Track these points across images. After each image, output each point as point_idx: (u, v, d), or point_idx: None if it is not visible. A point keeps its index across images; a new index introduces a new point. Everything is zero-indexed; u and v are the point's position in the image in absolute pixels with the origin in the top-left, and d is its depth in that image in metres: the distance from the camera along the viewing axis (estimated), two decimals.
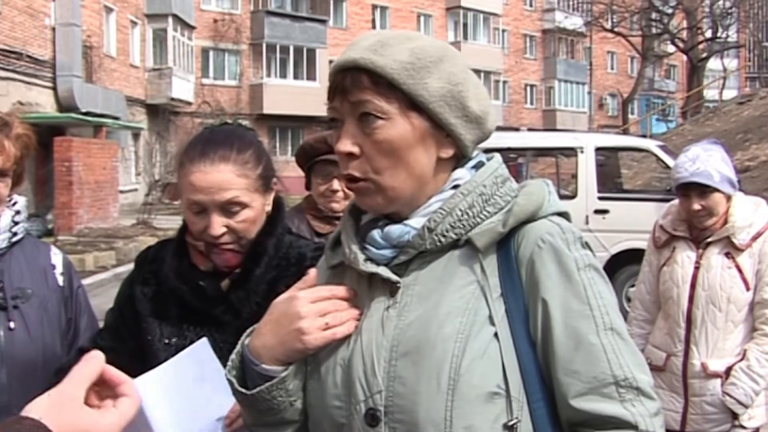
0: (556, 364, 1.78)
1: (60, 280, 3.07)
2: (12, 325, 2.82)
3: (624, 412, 1.75)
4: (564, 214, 1.91)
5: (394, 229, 1.92)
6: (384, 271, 1.90)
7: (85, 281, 17.19)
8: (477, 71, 56.37)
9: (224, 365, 2.10)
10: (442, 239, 1.88)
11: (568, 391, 1.77)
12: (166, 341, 2.61)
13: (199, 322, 2.60)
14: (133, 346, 2.65)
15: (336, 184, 4.53)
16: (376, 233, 1.95)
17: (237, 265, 2.61)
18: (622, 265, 13.09)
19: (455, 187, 1.93)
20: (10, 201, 3.02)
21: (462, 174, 1.95)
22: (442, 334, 1.80)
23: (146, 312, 2.66)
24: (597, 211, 13.44)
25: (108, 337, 2.75)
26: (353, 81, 1.86)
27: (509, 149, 15.15)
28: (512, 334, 1.81)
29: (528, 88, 64.22)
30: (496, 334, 1.79)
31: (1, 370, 2.78)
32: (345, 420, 1.89)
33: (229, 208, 2.52)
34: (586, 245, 1.88)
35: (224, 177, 2.51)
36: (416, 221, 1.91)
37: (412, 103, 1.86)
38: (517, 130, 50.00)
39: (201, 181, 2.50)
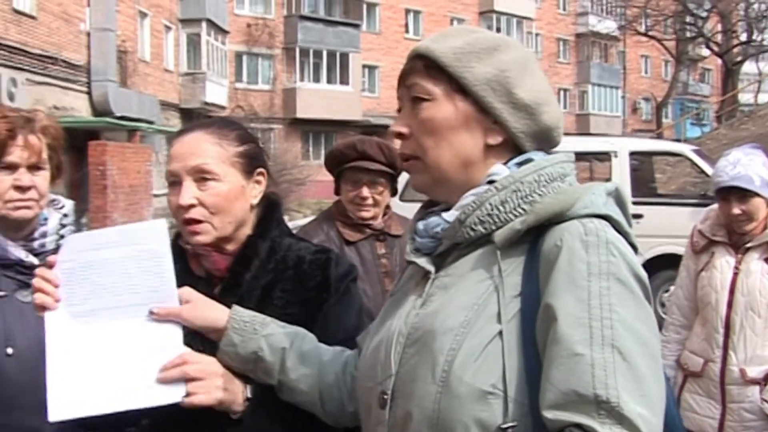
0: (544, 367, 1.70)
1: None
2: None
3: (595, 427, 1.60)
4: (606, 217, 1.81)
5: (432, 220, 1.99)
6: (419, 261, 1.98)
7: None
8: None
9: None
10: (471, 232, 1.89)
11: (543, 399, 1.66)
12: None
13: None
14: None
15: (365, 191, 4.53)
16: (420, 223, 2.03)
17: (226, 268, 2.52)
18: (656, 270, 12.97)
19: (491, 182, 1.92)
20: (57, 204, 3.10)
21: (500, 169, 1.94)
22: (445, 326, 1.81)
23: None
24: (631, 216, 13.32)
25: None
26: (411, 67, 2.00)
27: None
28: (522, 334, 1.76)
29: (561, 93, 63.87)
30: (500, 333, 1.76)
31: (44, 368, 2.80)
32: (371, 400, 1.97)
33: (200, 176, 2.42)
34: (615, 251, 1.76)
35: (198, 144, 2.46)
36: (450, 213, 1.95)
37: (458, 86, 1.94)
38: None
39: (177, 149, 2.47)
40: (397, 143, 2.06)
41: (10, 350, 2.80)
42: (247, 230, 2.55)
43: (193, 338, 2.27)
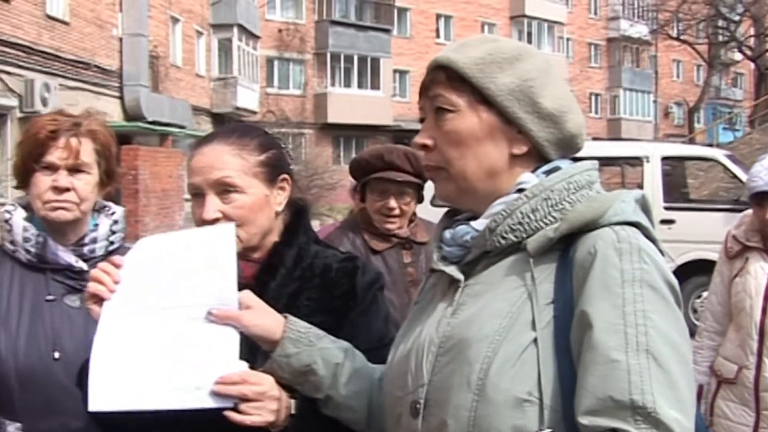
0: (579, 374, 1.71)
1: None
2: None
3: None
4: (637, 225, 1.82)
5: (460, 229, 1.99)
6: (448, 270, 1.98)
7: None
8: None
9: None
10: (502, 241, 1.90)
11: (578, 405, 1.68)
12: None
13: None
14: None
15: (392, 202, 4.47)
16: (447, 232, 2.03)
17: (252, 276, 2.50)
18: (688, 276, 12.92)
19: (521, 190, 1.93)
20: (108, 210, 3.11)
21: (528, 178, 1.95)
22: (480, 334, 1.81)
23: None
24: (663, 221, 13.22)
25: None
26: (432, 78, 1.99)
27: (574, 159, 15.07)
28: (555, 342, 1.77)
29: (593, 97, 63.68)
30: (535, 340, 1.77)
31: None
32: (401, 409, 1.96)
33: (222, 189, 2.41)
34: (647, 258, 1.77)
35: (218, 156, 2.42)
36: (479, 222, 1.96)
37: (481, 97, 1.94)
38: None
39: (198, 162, 2.44)
40: (420, 154, 2.08)
41: (57, 354, 2.81)
42: (273, 237, 2.54)
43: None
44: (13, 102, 21.74)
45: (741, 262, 4.55)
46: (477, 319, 1.85)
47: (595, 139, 48.63)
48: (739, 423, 4.50)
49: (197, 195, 2.44)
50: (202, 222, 2.40)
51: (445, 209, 2.16)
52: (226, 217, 2.39)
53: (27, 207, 3.01)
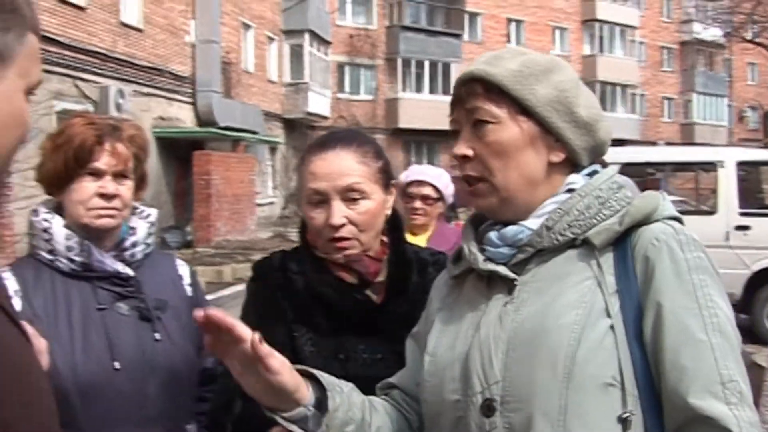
0: (664, 359, 1.81)
1: (188, 290, 3.11)
2: (158, 336, 2.84)
3: (729, 415, 1.74)
4: (678, 219, 1.97)
5: (510, 230, 2.05)
6: (502, 270, 2.02)
7: (223, 292, 17.57)
8: (613, 84, 55.72)
9: (377, 373, 2.32)
10: (560, 238, 1.98)
11: (678, 387, 1.79)
12: (323, 353, 2.52)
13: (353, 333, 2.53)
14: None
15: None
16: (492, 234, 2.08)
17: (377, 272, 2.60)
18: (763, 283, 12.76)
19: (570, 191, 2.04)
20: (143, 213, 3.07)
21: (576, 179, 2.06)
22: (558, 324, 1.87)
23: (292, 321, 2.57)
24: (738, 228, 13.06)
25: None
26: (468, 90, 2.06)
27: (647, 164, 14.95)
28: (625, 328, 1.86)
29: (665, 102, 63.06)
30: (612, 327, 1.86)
31: (151, 381, 2.80)
32: (462, 413, 1.98)
33: (349, 195, 2.49)
34: (700, 248, 1.91)
35: (345, 162, 2.50)
36: (532, 222, 2.03)
37: (521, 108, 2.01)
38: (654, 144, 49.19)
39: (321, 168, 2.49)
40: (459, 165, 2.11)
41: (117, 364, 2.74)
42: (379, 236, 2.63)
43: None
44: (89, 108, 21.97)
45: None
46: (549, 311, 1.91)
47: (668, 144, 48.22)
48: None
49: (319, 202, 2.51)
50: (327, 228, 2.49)
51: None
52: (351, 222, 2.50)
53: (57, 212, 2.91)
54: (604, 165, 2.13)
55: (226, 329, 1.89)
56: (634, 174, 10.06)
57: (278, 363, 1.92)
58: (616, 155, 13.05)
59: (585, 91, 2.09)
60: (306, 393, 1.99)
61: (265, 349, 1.90)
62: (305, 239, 2.69)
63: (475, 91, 2.04)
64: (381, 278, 2.63)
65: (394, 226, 2.70)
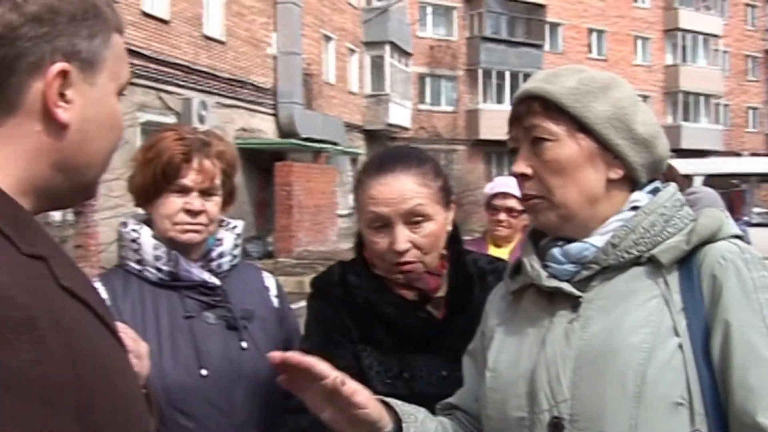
0: (732, 377, 1.80)
1: (275, 301, 3.12)
2: (244, 344, 2.87)
3: None
4: (741, 238, 1.96)
5: (574, 246, 2.03)
6: (566, 287, 2.00)
7: (304, 303, 17.48)
8: (696, 94, 54.99)
9: (441, 391, 2.30)
10: (626, 255, 1.97)
11: (745, 406, 1.77)
12: (389, 373, 2.50)
13: (416, 350, 2.51)
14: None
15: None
16: (556, 251, 2.06)
17: (437, 287, 2.57)
18: None
19: (634, 208, 2.02)
20: (229, 225, 3.09)
21: (640, 197, 2.05)
22: (628, 343, 1.87)
23: (357, 340, 2.56)
24: None
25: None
26: (526, 108, 2.06)
27: (731, 175, 14.74)
28: (693, 346, 1.85)
29: (750, 112, 62.08)
30: (680, 346, 1.85)
31: (238, 389, 2.82)
32: (528, 430, 1.98)
33: (412, 219, 2.45)
34: (765, 267, 1.90)
35: (406, 186, 2.46)
36: (596, 239, 2.02)
37: (579, 126, 2.01)
38: (738, 155, 48.43)
39: (382, 193, 2.46)
40: (518, 183, 2.11)
41: (204, 372, 2.78)
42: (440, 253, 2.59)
43: None
44: (172, 120, 22.27)
45: None
46: (618, 329, 1.90)
47: (752, 154, 47.46)
48: None
49: (381, 226, 2.48)
50: (391, 253, 2.47)
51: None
52: (416, 247, 2.47)
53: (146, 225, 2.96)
54: (665, 181, 2.12)
55: (305, 369, 1.93)
56: (719, 185, 9.91)
57: (364, 398, 1.97)
58: (700, 166, 12.89)
59: (643, 108, 2.08)
60: (387, 419, 2.04)
61: (350, 388, 1.95)
62: (362, 255, 2.67)
63: (533, 109, 2.04)
64: (441, 293, 2.60)
65: (454, 238, 2.65)
